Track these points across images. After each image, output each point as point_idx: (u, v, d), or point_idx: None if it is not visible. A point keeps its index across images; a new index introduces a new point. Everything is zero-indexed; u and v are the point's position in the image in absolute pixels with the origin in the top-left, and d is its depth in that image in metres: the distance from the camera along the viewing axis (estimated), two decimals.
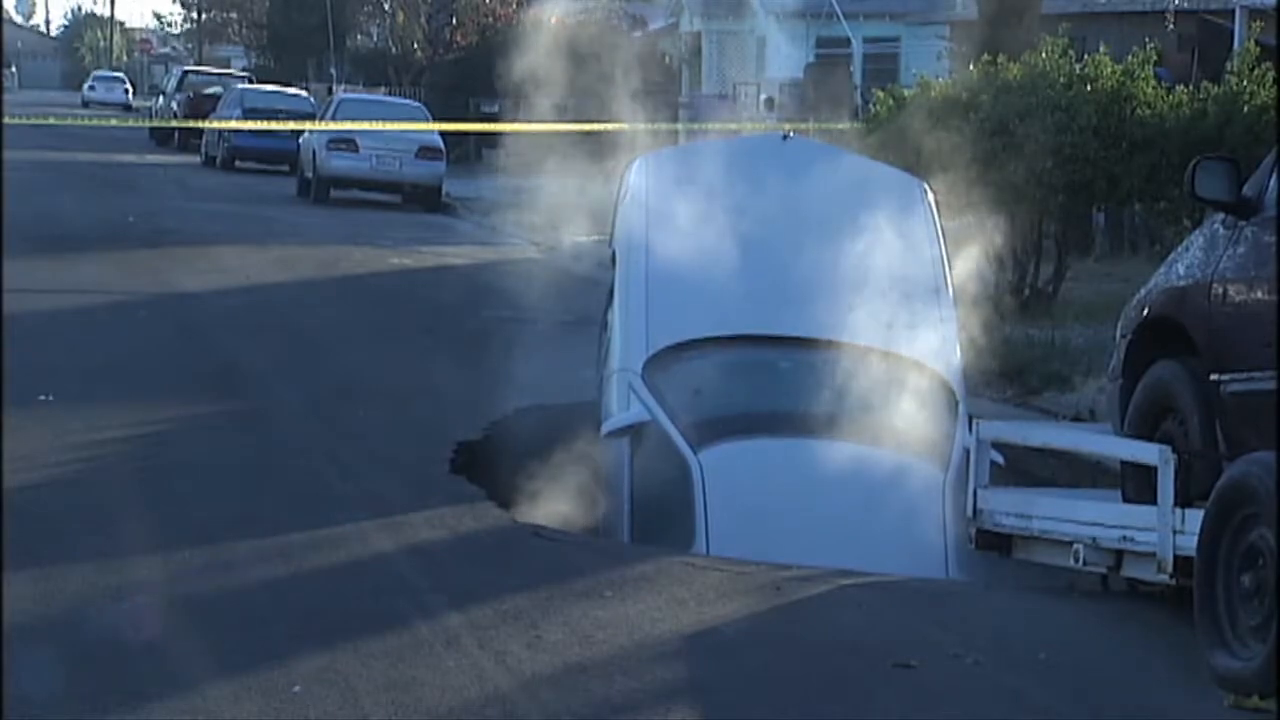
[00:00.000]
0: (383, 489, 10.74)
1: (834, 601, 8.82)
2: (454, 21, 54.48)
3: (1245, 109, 17.46)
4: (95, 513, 9.70)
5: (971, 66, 19.39)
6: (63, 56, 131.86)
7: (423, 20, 56.17)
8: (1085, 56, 18.60)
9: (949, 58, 33.85)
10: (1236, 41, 26.54)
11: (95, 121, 47.15)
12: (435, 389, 14.17)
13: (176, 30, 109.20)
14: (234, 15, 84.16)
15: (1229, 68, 18.60)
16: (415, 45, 55.99)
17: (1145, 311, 9.82)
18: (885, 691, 7.44)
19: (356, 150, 33.74)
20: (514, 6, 51.91)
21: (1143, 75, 18.15)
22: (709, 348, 11.47)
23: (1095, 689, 7.60)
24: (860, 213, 11.88)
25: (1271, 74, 17.72)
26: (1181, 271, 9.51)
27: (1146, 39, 20.07)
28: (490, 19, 52.25)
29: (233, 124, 39.93)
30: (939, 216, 12.28)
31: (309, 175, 34.95)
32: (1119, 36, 27.30)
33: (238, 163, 41.93)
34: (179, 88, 55.60)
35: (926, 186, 12.59)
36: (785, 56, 46.17)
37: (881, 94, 20.29)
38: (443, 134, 34.72)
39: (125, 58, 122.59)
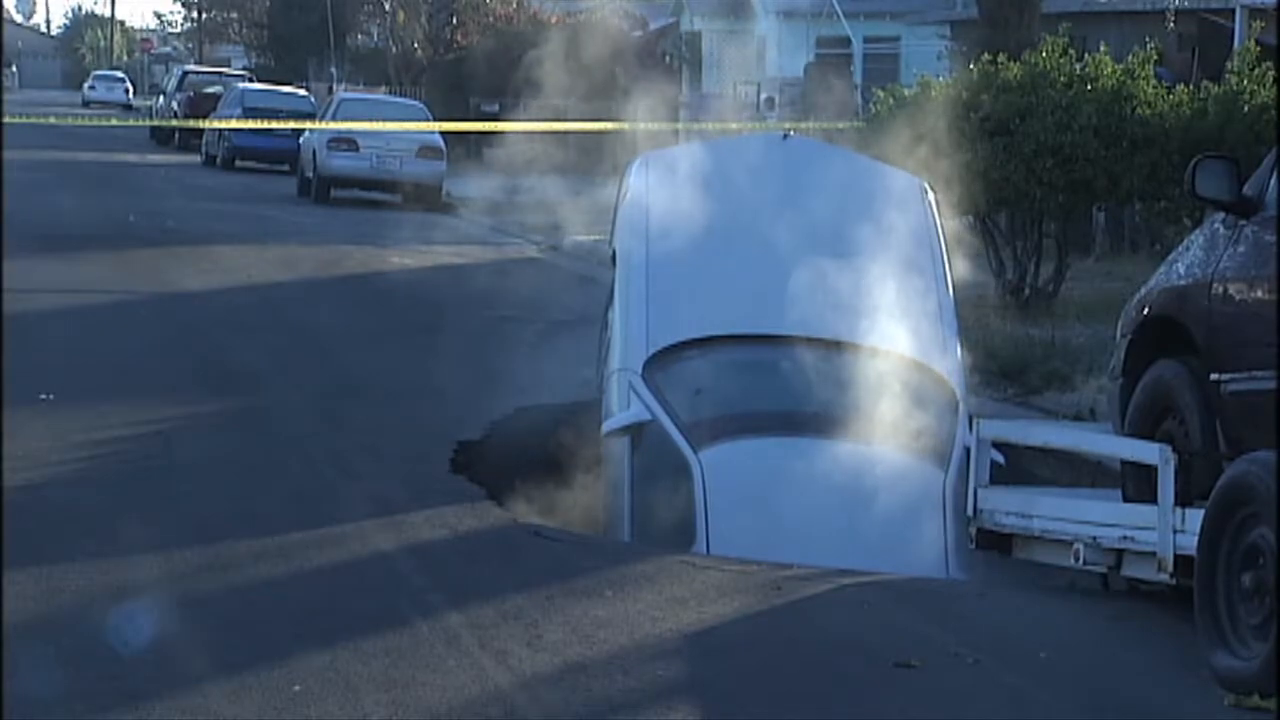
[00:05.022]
0: (383, 488, 10.75)
1: (834, 601, 8.82)
2: (454, 21, 54.47)
3: (1245, 108, 17.47)
4: (95, 512, 9.71)
5: (972, 66, 19.38)
6: (63, 56, 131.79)
7: (423, 20, 56.16)
8: (1085, 56, 18.61)
9: (949, 57, 33.87)
10: (1237, 41, 26.54)
11: (96, 121, 47.17)
12: (436, 388, 14.17)
13: (177, 30, 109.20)
14: (234, 15, 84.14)
15: (1229, 67, 18.61)
16: (415, 45, 55.99)
17: (1146, 311, 9.82)
18: (886, 691, 7.44)
19: (357, 150, 33.75)
20: (514, 6, 51.97)
21: (1143, 74, 18.16)
22: (709, 347, 11.46)
23: (1095, 688, 7.60)
24: (861, 212, 11.88)
25: (1272, 73, 17.73)
26: (1182, 271, 9.51)
27: (1147, 38, 20.08)
28: (491, 19, 52.26)
29: (233, 123, 39.92)
30: (939, 216, 12.28)
31: (309, 175, 34.95)
32: (1119, 36, 27.30)
33: (238, 162, 41.92)
34: (179, 87, 55.56)
35: (927, 186, 12.59)
36: (786, 56, 46.18)
37: (882, 93, 20.28)
38: (443, 133, 34.72)
39: (126, 57, 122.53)
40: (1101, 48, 19.01)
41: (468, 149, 39.98)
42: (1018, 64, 18.54)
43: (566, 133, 32.87)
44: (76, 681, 6.88)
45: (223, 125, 40.89)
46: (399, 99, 43.25)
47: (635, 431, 10.95)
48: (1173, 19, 29.99)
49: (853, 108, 34.82)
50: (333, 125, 34.03)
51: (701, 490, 10.52)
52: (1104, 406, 11.60)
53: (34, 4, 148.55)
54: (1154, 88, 18.11)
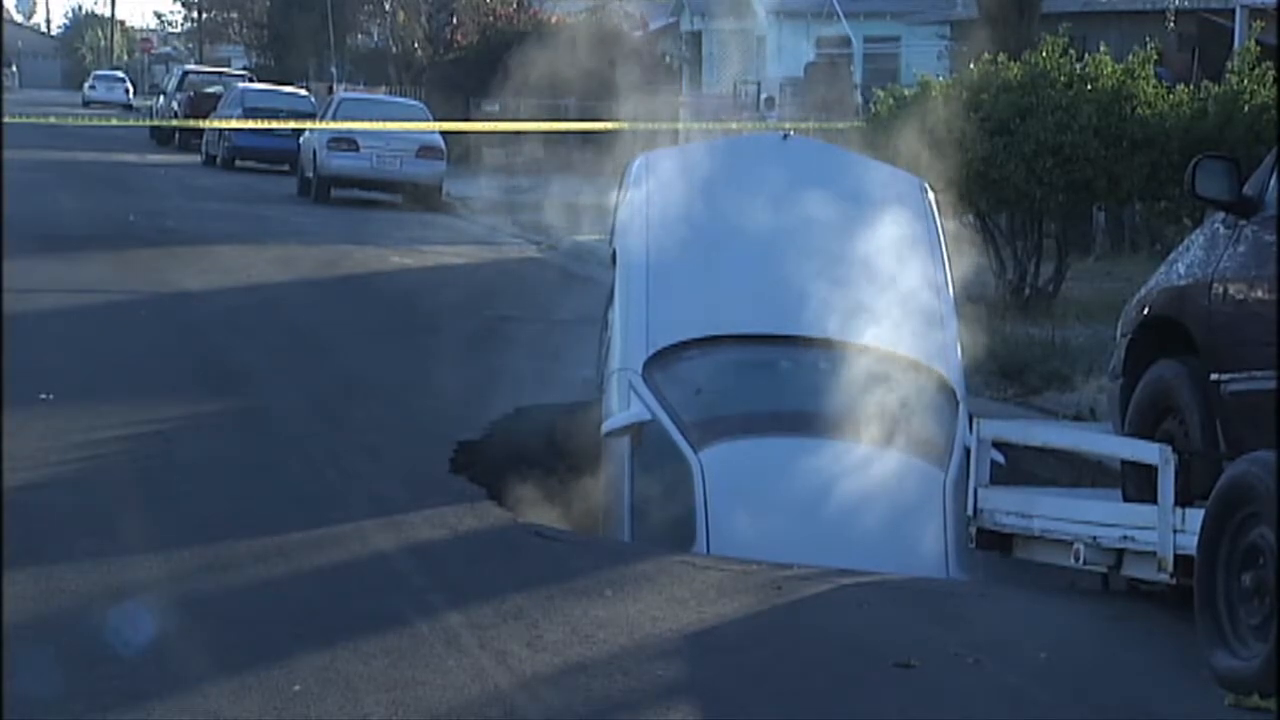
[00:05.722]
0: (383, 488, 10.75)
1: (834, 601, 8.82)
2: (454, 21, 54.48)
3: (1245, 108, 17.48)
4: (95, 512, 9.71)
5: (972, 66, 19.38)
6: (63, 56, 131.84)
7: (423, 19, 56.16)
8: (1086, 56, 18.62)
9: (949, 57, 33.89)
10: (1237, 41, 26.55)
11: (96, 121, 47.16)
12: (436, 388, 14.16)
13: (177, 30, 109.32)
14: (234, 15, 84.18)
15: (1229, 67, 18.62)
16: (415, 44, 55.98)
17: (1146, 311, 9.82)
18: (886, 691, 7.44)
19: (357, 150, 33.75)
20: (514, 6, 51.96)
21: (1143, 74, 18.16)
22: (709, 347, 11.47)
23: (1095, 689, 7.60)
24: (860, 212, 11.89)
25: (1272, 73, 17.73)
26: (1182, 271, 9.51)
27: (1147, 38, 20.08)
28: (491, 18, 52.26)
29: (233, 123, 39.92)
30: (939, 216, 12.28)
31: (309, 175, 34.95)
32: (1119, 36, 27.30)
33: (238, 162, 41.92)
34: (180, 87, 55.58)
35: (927, 186, 12.60)
36: (786, 56, 46.20)
37: (882, 93, 20.29)
38: (443, 133, 34.73)
39: (126, 57, 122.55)
40: (1101, 48, 19.01)
41: (468, 149, 39.98)
42: (1018, 64, 18.54)
43: (566, 132, 32.89)
44: (76, 681, 6.88)
45: (223, 125, 40.89)
46: (399, 99, 43.25)
47: (635, 431, 10.95)
48: (1173, 19, 29.98)
49: (853, 108, 34.84)
50: (333, 125, 34.03)
51: (701, 490, 10.52)
52: (1104, 406, 11.61)
53: (34, 4, 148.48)
54: (1154, 88, 18.11)
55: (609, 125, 28.95)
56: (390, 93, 49.98)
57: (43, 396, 12.58)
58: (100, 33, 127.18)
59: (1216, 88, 18.17)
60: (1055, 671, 7.79)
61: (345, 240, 26.40)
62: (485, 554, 9.45)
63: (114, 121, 52.09)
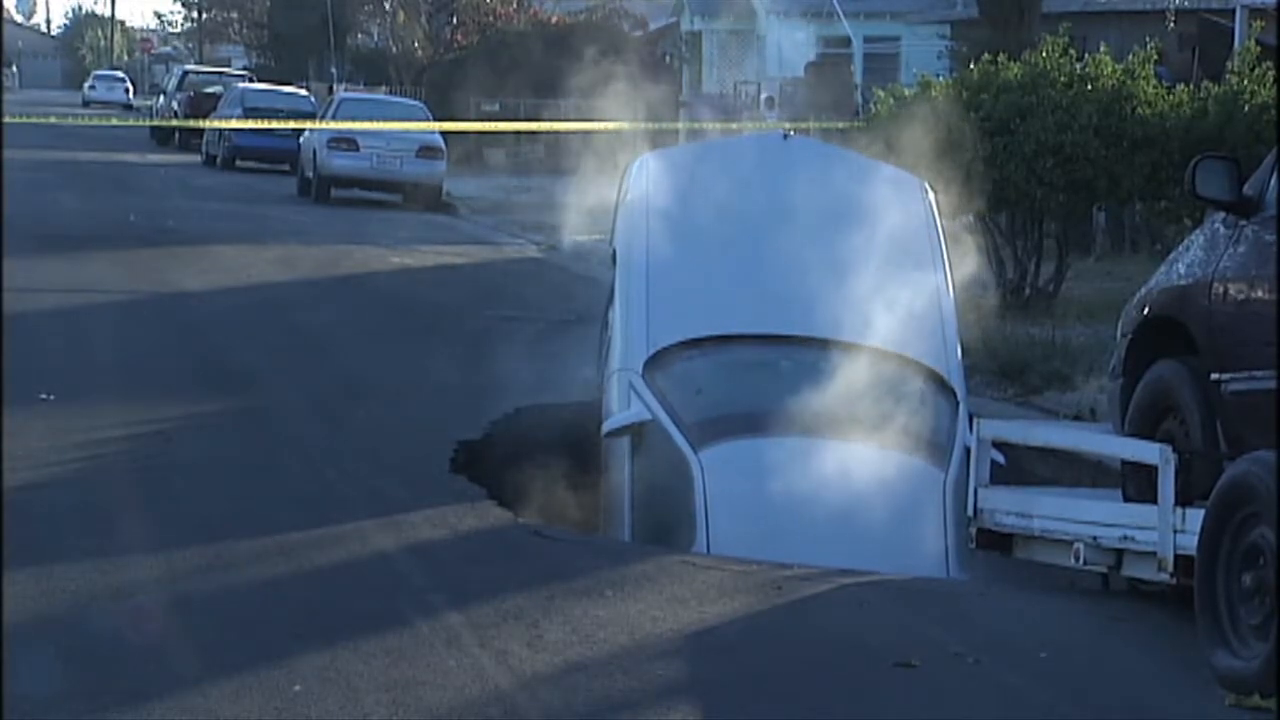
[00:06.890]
0: (383, 488, 10.74)
1: (835, 601, 8.82)
2: (454, 21, 54.49)
3: (1246, 108, 17.48)
4: (95, 512, 9.71)
5: (972, 66, 19.38)
6: (63, 56, 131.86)
7: (423, 19, 56.18)
8: (1086, 56, 18.62)
9: (949, 57, 33.88)
10: (1237, 40, 26.54)
11: (96, 121, 47.16)
12: (436, 388, 14.17)
13: (177, 29, 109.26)
14: (234, 15, 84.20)
15: (1229, 67, 18.63)
16: (416, 44, 56.00)
17: (1146, 310, 9.82)
18: (886, 691, 7.44)
19: (357, 149, 33.74)
20: (514, 6, 51.97)
21: (1143, 74, 18.17)
22: (709, 347, 11.47)
23: (1095, 689, 7.60)
24: (860, 212, 11.89)
25: (1272, 73, 17.73)
26: (1182, 271, 9.51)
27: (1147, 38, 20.07)
28: (491, 18, 52.26)
29: (233, 123, 39.92)
30: (939, 215, 12.28)
31: (310, 174, 34.95)
32: (1119, 36, 27.31)
33: (238, 162, 41.91)
34: (180, 87, 55.60)
35: (927, 185, 12.60)
36: (786, 55, 46.18)
37: (882, 93, 20.28)
38: (443, 133, 34.73)
39: (126, 57, 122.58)
40: (1101, 48, 19.01)
41: (468, 149, 39.97)
42: (1018, 64, 18.54)
43: (565, 132, 32.87)
44: (76, 681, 6.88)
45: (223, 125, 40.89)
46: (399, 99, 43.23)
47: (635, 431, 10.95)
48: (1173, 19, 29.97)
49: (853, 107, 34.84)
50: (333, 125, 34.03)
51: (701, 490, 10.52)
52: (1104, 406, 11.60)
53: (34, 4, 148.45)
54: (1154, 88, 18.11)
55: (609, 125, 28.96)
56: (390, 93, 49.97)
57: (43, 396, 12.59)
58: (100, 33, 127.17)
59: (1217, 88, 18.17)
60: (1055, 671, 7.80)
61: (345, 240, 26.40)
62: (485, 554, 9.45)
63: (114, 121, 52.09)
